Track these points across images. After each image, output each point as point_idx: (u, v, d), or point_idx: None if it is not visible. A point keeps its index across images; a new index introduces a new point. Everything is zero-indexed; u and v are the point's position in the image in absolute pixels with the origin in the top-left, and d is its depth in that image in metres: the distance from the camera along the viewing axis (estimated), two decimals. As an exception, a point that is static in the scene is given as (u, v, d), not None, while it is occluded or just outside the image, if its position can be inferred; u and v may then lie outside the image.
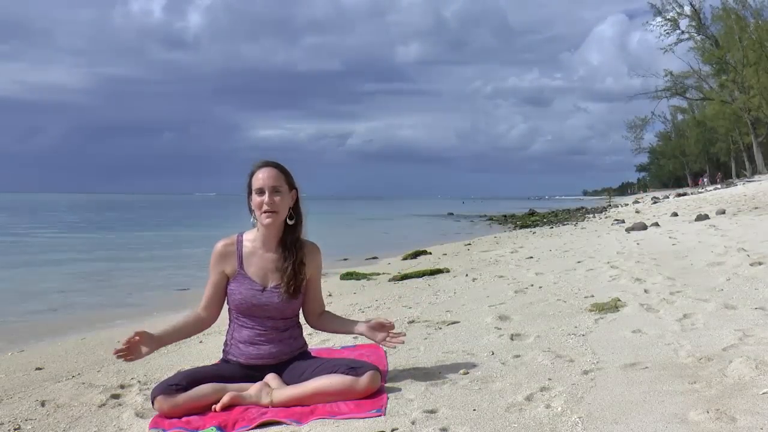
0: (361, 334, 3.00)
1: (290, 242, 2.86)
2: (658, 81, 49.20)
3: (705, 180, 56.40)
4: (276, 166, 2.84)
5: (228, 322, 2.95)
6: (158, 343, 2.77)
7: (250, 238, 2.88)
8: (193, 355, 3.90)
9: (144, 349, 2.71)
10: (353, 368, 2.65)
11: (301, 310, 3.00)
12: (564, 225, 18.56)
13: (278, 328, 2.85)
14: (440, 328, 3.98)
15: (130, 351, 2.67)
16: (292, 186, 2.86)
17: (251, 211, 2.84)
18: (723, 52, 45.33)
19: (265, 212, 2.77)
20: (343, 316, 3.22)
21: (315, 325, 3.06)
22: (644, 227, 11.05)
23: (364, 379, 2.61)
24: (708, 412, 2.17)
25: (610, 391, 2.51)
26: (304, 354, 2.93)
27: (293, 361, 2.85)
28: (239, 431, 2.40)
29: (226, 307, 2.96)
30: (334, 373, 2.65)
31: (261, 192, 2.77)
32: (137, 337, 2.68)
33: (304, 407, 2.56)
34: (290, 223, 2.86)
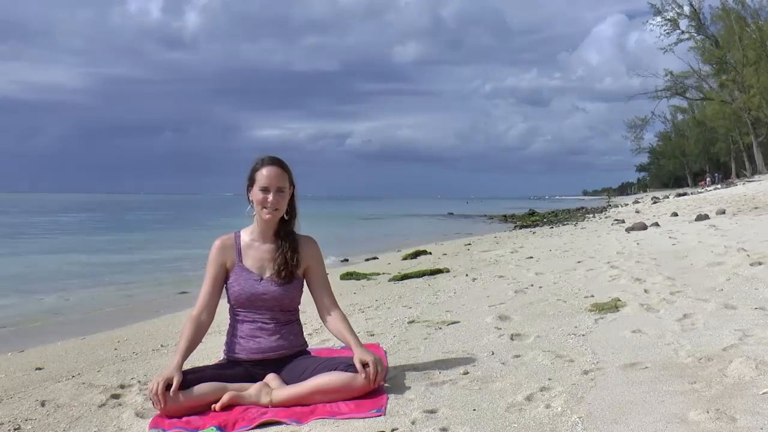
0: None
1: (284, 234, 2.94)
2: (658, 81, 49.25)
3: (708, 179, 56.08)
4: (281, 164, 2.90)
5: (228, 321, 2.96)
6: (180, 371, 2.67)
7: (248, 233, 2.97)
8: (193, 355, 3.88)
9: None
10: (352, 365, 2.66)
11: (318, 309, 3.00)
12: (564, 225, 18.56)
13: (278, 320, 2.87)
14: (440, 328, 3.98)
15: (164, 399, 2.56)
16: (292, 183, 2.94)
17: (249, 201, 2.91)
18: (723, 52, 45.33)
19: (267, 209, 2.85)
20: (349, 329, 2.90)
21: (326, 322, 2.99)
22: (644, 227, 11.05)
23: (363, 376, 2.62)
24: (708, 412, 2.17)
25: (610, 391, 2.50)
26: (303, 353, 2.95)
27: (293, 360, 2.85)
28: (239, 431, 2.40)
29: (226, 306, 2.96)
30: (333, 371, 2.66)
31: (266, 190, 2.84)
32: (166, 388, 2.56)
33: (304, 407, 2.56)
34: (286, 218, 2.94)
